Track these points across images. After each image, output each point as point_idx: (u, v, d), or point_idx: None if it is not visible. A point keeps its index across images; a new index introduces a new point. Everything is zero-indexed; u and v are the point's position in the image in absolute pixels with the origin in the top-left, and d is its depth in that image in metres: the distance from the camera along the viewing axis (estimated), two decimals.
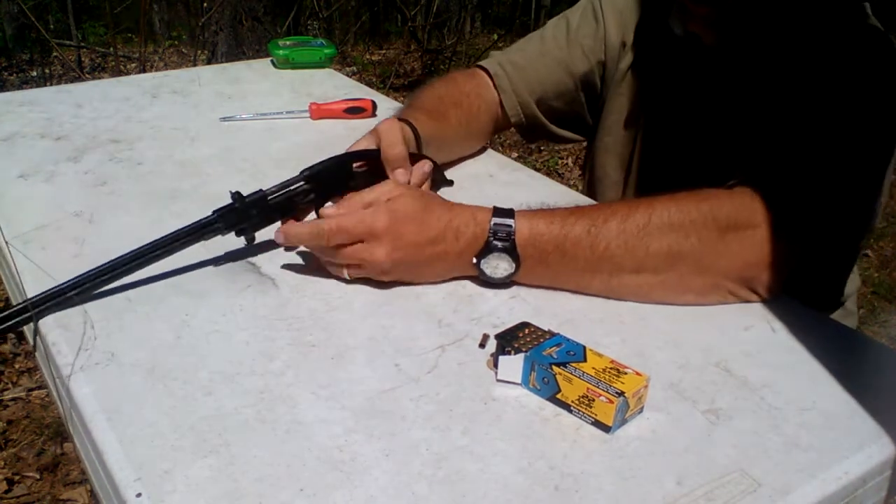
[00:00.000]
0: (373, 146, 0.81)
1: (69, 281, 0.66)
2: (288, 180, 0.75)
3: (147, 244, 0.69)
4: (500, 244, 0.69)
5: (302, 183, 0.75)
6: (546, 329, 0.61)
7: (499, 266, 0.70)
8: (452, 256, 0.70)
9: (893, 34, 0.80)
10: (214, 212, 0.72)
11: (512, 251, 0.69)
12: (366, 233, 0.68)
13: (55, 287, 0.66)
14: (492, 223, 0.69)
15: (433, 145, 0.88)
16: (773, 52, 0.83)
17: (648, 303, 0.70)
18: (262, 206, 0.73)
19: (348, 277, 0.71)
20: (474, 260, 0.70)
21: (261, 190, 0.73)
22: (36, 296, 0.65)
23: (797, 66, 0.80)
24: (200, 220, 0.71)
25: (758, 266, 0.69)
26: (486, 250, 0.69)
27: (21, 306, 0.65)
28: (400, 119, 0.87)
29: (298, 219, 0.75)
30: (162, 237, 0.70)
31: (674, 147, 0.95)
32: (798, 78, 0.79)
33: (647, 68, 0.96)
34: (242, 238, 0.74)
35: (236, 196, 0.72)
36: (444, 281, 0.73)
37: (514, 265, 0.69)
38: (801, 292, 0.72)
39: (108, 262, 0.68)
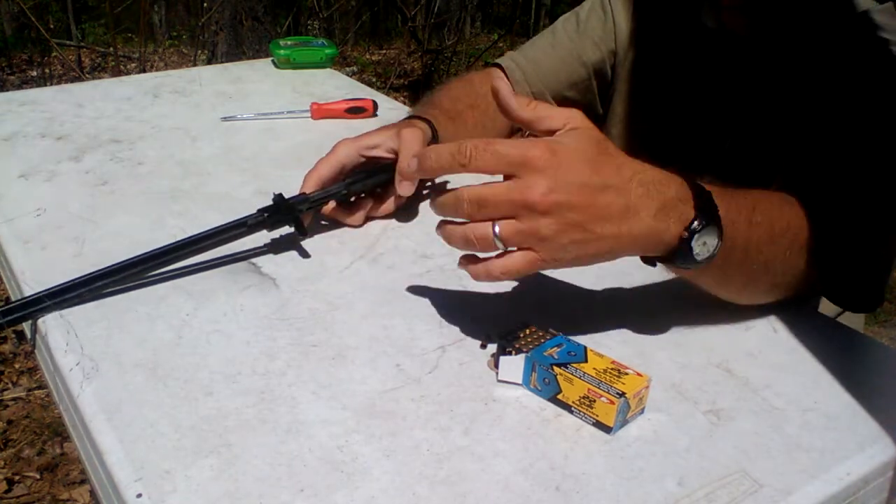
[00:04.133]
0: (390, 144, 0.81)
1: (99, 271, 0.67)
2: (331, 188, 0.78)
3: (202, 233, 0.71)
4: (707, 217, 0.56)
5: (343, 190, 0.79)
6: (547, 329, 0.61)
7: (707, 243, 0.56)
8: (642, 217, 0.55)
9: None
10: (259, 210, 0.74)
11: (719, 226, 0.56)
12: (518, 162, 0.53)
13: (81, 277, 0.67)
14: (693, 189, 0.56)
15: None
16: (799, 46, 0.84)
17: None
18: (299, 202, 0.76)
19: (500, 244, 0.54)
20: (685, 233, 0.55)
21: (303, 194, 0.77)
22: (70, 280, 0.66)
23: (824, 66, 0.80)
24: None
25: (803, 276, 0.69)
26: (698, 222, 0.55)
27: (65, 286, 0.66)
28: (418, 117, 0.87)
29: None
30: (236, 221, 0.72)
31: (682, 135, 0.95)
32: (828, 80, 0.78)
33: (658, 58, 0.98)
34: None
35: (277, 198, 0.74)
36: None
37: (718, 243, 0.57)
38: (846, 296, 0.73)
39: (148, 252, 0.69)
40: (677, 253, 0.57)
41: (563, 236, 0.53)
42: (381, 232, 0.82)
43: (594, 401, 0.54)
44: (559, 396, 0.56)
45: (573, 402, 0.56)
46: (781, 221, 0.64)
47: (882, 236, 0.74)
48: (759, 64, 0.87)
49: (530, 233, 0.53)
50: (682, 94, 0.95)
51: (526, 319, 0.63)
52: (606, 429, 0.54)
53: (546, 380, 0.57)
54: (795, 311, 0.70)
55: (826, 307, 0.96)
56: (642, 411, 0.57)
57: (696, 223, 0.55)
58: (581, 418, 0.56)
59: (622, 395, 0.54)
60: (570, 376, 0.55)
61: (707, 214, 0.56)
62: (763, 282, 0.66)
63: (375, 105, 1.14)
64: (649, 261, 0.61)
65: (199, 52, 3.87)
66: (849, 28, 0.80)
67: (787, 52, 0.84)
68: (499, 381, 0.59)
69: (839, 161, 0.74)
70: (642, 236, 0.55)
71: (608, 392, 0.54)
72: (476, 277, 0.57)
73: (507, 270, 0.55)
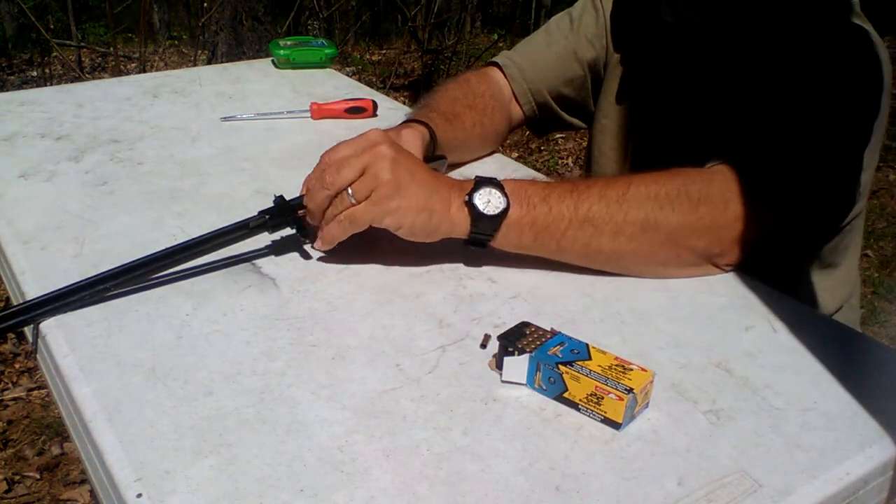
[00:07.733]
0: None
1: (100, 274, 0.67)
2: None
3: (206, 234, 0.72)
4: (488, 181, 0.70)
5: None
6: (547, 328, 0.61)
7: (491, 200, 0.69)
8: (441, 188, 0.70)
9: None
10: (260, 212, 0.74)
11: (501, 188, 0.70)
12: (363, 148, 0.69)
13: (83, 280, 0.66)
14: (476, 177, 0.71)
15: (448, 148, 0.90)
16: (756, 33, 0.86)
17: (616, 271, 0.73)
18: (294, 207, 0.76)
19: (353, 200, 0.69)
20: (466, 197, 0.69)
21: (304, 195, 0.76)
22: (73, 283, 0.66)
23: (777, 48, 0.82)
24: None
25: (724, 241, 0.73)
26: (476, 186, 0.70)
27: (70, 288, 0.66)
28: (416, 120, 0.87)
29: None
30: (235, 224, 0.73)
31: (665, 125, 0.97)
32: (777, 60, 0.81)
33: (638, 51, 0.99)
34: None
35: (278, 200, 0.74)
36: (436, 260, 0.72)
37: (505, 199, 0.69)
38: (761, 269, 0.74)
39: (149, 255, 0.69)
40: (473, 217, 0.69)
41: (394, 176, 0.68)
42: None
43: (602, 398, 0.54)
44: (565, 395, 0.56)
45: (580, 400, 0.56)
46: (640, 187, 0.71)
47: (813, 212, 0.81)
48: (723, 52, 0.89)
49: (371, 185, 0.68)
50: (661, 87, 0.97)
51: (526, 319, 0.63)
52: (615, 425, 0.54)
53: (551, 379, 0.57)
54: (796, 311, 0.70)
55: (825, 306, 0.96)
56: (647, 406, 0.57)
57: (473, 189, 0.69)
58: (589, 416, 0.56)
59: (630, 390, 0.54)
60: (577, 374, 0.55)
61: (484, 182, 0.70)
62: (585, 234, 0.71)
63: (375, 105, 1.14)
64: (475, 242, 0.72)
65: (199, 52, 3.87)
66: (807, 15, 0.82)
67: (748, 40, 0.86)
68: (503, 381, 0.59)
69: (773, 133, 0.77)
70: (439, 200, 0.69)
71: (616, 388, 0.54)
72: (334, 234, 0.71)
73: (353, 217, 0.70)
